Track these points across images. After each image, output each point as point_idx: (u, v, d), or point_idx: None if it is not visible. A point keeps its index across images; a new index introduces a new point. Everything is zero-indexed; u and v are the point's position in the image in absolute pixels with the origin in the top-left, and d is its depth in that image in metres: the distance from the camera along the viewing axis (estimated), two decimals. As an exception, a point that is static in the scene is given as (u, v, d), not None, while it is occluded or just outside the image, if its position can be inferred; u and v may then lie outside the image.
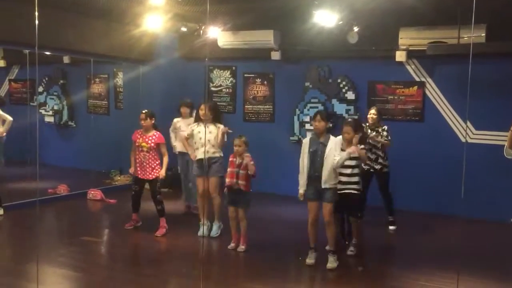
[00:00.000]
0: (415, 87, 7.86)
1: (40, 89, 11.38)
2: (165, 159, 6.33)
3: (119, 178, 9.36)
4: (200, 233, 6.08)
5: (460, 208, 5.56)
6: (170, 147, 7.11)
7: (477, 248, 5.93)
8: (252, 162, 5.60)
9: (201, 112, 6.13)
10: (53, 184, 8.64)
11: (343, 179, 5.31)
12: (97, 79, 10.91)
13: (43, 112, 11.28)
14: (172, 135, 7.37)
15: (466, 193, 5.13)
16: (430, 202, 7.72)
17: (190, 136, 6.25)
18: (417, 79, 7.87)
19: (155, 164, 6.28)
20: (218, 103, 9.53)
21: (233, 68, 9.44)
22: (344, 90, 8.37)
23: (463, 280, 4.72)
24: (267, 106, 9.13)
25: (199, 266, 5.03)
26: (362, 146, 5.51)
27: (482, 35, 6.73)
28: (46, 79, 11.34)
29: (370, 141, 6.44)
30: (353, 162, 5.32)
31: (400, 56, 7.67)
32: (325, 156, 5.06)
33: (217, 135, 6.10)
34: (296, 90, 8.75)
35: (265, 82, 9.14)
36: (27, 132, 8.76)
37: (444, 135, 7.68)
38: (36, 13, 3.89)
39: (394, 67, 7.90)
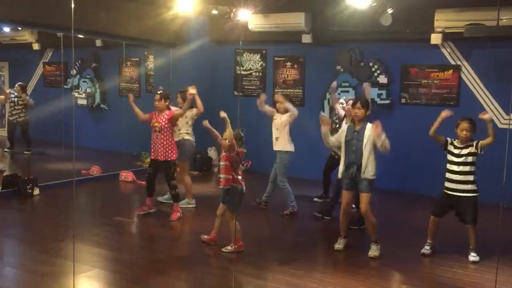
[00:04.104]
0: (451, 71, 7.65)
1: (73, 72, 11.59)
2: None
3: (149, 160, 9.47)
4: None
5: (498, 196, 5.38)
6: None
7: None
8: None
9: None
10: (86, 165, 8.84)
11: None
12: (128, 63, 11.02)
13: (76, 94, 11.50)
14: None
15: (502, 181, 4.98)
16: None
17: None
18: (452, 62, 7.65)
19: (167, 146, 6.21)
20: (246, 87, 9.55)
21: (263, 51, 9.37)
22: (376, 74, 8.22)
23: (501, 269, 4.60)
24: (297, 90, 9.05)
25: (232, 249, 5.08)
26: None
27: (523, 16, 6.48)
28: (79, 62, 11.53)
29: None
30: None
31: (435, 38, 7.46)
32: (364, 146, 4.98)
33: None
34: (327, 74, 8.63)
35: (295, 66, 9.05)
36: (61, 115, 8.99)
37: (480, 121, 7.45)
38: (73, -4, 3.91)
39: (428, 50, 7.70)
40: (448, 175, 5.01)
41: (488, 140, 4.84)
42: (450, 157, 5.00)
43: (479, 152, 4.91)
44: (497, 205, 5.07)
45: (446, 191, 5.04)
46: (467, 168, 4.91)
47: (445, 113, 4.96)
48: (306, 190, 7.86)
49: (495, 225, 5.15)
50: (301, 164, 8.57)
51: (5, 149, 9.55)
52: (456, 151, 4.96)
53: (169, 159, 6.27)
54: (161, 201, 6.98)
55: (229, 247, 5.10)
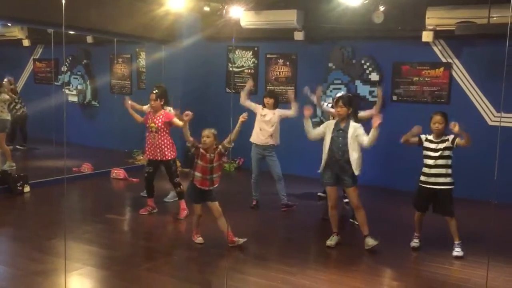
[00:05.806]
0: (442, 69, 7.70)
1: (64, 68, 11.51)
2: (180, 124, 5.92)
3: (141, 157, 9.44)
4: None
5: (488, 192, 5.44)
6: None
7: (508, 233, 5.82)
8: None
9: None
10: (77, 162, 8.78)
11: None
12: (120, 59, 10.97)
13: (67, 91, 11.42)
14: None
15: (492, 177, 5.03)
16: (456, 186, 7.60)
17: None
18: (443, 60, 7.69)
19: (165, 145, 6.15)
20: (238, 84, 9.54)
21: (255, 48, 9.36)
22: (368, 71, 8.24)
23: (492, 265, 4.63)
24: (289, 87, 9.05)
25: (225, 247, 5.08)
26: None
27: (514, 14, 6.52)
28: (70, 58, 11.46)
29: None
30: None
31: (426, 36, 7.50)
32: (348, 143, 5.03)
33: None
34: (319, 71, 8.65)
35: (288, 63, 9.05)
36: (52, 111, 8.91)
37: (470, 118, 7.52)
38: (63, -8, 3.89)
39: (420, 48, 7.74)
40: (425, 169, 5.09)
41: (463, 142, 4.92)
42: (427, 152, 5.09)
43: (454, 146, 5.00)
44: (488, 201, 5.12)
45: (423, 185, 5.11)
46: (443, 162, 5.01)
47: (416, 129, 5.07)
48: (300, 188, 7.89)
49: (486, 221, 5.20)
50: (294, 161, 8.60)
51: None
52: (432, 146, 5.05)
53: (168, 158, 6.20)
54: (167, 201, 6.88)
55: (241, 240, 5.12)
